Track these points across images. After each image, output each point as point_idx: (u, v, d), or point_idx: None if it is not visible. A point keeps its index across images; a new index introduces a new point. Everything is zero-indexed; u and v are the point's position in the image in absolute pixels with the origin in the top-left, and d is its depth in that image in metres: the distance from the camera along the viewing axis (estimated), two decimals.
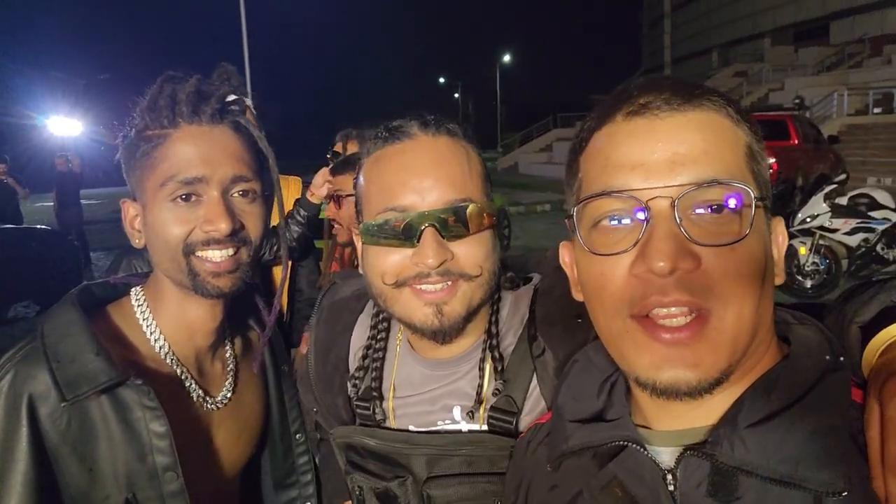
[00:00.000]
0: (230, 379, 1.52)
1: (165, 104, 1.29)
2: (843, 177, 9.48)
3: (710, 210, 0.83)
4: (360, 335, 1.46)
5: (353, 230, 2.79)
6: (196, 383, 1.43)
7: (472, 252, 1.21)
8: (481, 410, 1.27)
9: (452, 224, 1.19)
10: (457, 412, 1.30)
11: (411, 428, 1.33)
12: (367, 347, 1.42)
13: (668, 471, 0.87)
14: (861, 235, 8.83)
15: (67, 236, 11.24)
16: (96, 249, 14.56)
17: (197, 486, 1.34)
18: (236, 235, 1.32)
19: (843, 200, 9.06)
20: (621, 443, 0.92)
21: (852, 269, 9.03)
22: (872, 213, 8.89)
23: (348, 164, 2.79)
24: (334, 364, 1.46)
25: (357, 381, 1.40)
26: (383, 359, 1.40)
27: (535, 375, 1.27)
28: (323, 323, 1.52)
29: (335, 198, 2.78)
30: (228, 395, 1.50)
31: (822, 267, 8.87)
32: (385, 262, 1.22)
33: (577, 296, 1.00)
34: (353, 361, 1.45)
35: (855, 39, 35.23)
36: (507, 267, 1.40)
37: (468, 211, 1.19)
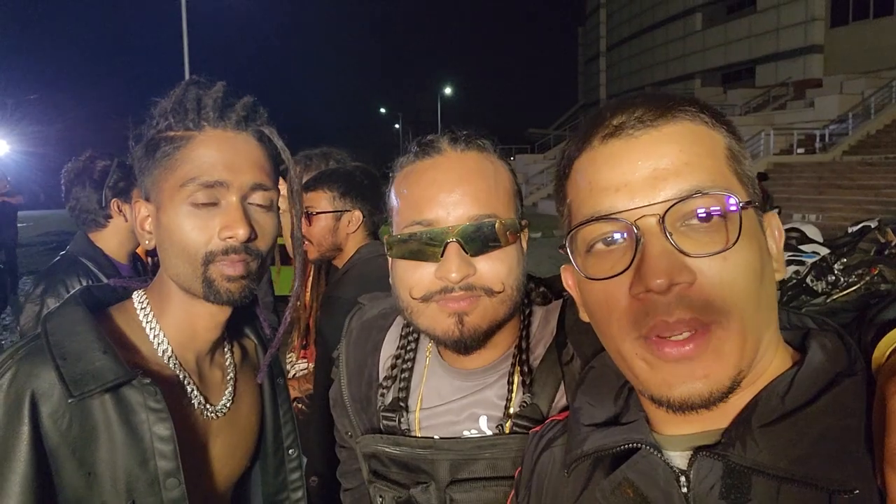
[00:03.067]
0: (230, 388, 1.48)
1: (191, 107, 1.27)
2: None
3: (698, 220, 0.83)
4: (388, 349, 1.47)
5: (323, 246, 2.79)
6: (197, 389, 1.39)
7: (495, 268, 1.22)
8: (508, 423, 1.27)
9: (476, 239, 1.20)
10: (483, 422, 1.30)
11: (436, 437, 1.32)
12: (396, 357, 1.43)
13: (681, 473, 0.87)
14: (792, 268, 9.20)
15: None
16: (23, 273, 13.97)
17: (192, 497, 1.29)
18: (250, 245, 1.29)
19: None
20: (634, 445, 0.91)
21: (784, 299, 9.36)
22: (803, 247, 9.29)
23: (319, 181, 2.76)
24: (368, 382, 1.46)
25: (384, 391, 1.41)
26: (411, 370, 1.40)
27: (562, 384, 1.27)
28: (353, 344, 1.52)
29: (307, 215, 2.73)
30: (228, 403, 1.46)
31: None
32: (412, 277, 1.23)
33: (584, 317, 1.00)
34: (383, 373, 1.45)
35: (779, 83, 37.09)
36: (539, 283, 1.41)
37: (492, 227, 1.21)
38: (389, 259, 1.32)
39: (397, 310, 1.37)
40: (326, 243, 2.74)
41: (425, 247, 1.20)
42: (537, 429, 1.19)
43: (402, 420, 1.35)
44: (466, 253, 1.19)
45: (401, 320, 1.47)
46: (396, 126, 79.44)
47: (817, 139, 26.11)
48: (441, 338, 1.24)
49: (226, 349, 1.51)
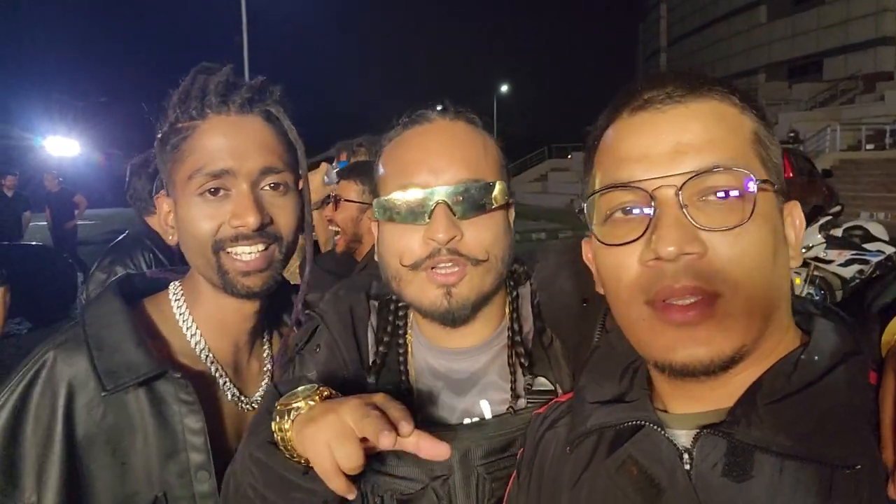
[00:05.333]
0: (266, 379, 1.48)
1: (196, 95, 1.28)
2: (837, 208, 9.52)
3: (714, 196, 0.85)
4: (370, 334, 1.38)
5: (344, 233, 2.87)
6: (230, 382, 1.40)
7: (480, 235, 1.22)
8: (520, 401, 1.26)
9: (463, 202, 1.20)
10: (485, 406, 1.28)
11: (451, 422, 1.28)
12: (377, 343, 1.35)
13: (685, 450, 0.88)
14: (856, 267, 8.85)
15: (63, 254, 11.18)
16: (88, 269, 14.44)
17: None
18: (266, 230, 1.29)
19: (838, 232, 9.09)
20: (638, 423, 0.93)
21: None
22: (866, 245, 8.92)
23: (352, 171, 2.89)
24: (356, 365, 1.35)
25: (372, 379, 1.32)
26: (400, 354, 1.34)
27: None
28: (335, 326, 1.39)
29: (335, 200, 2.87)
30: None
31: (817, 297, 8.84)
32: (400, 243, 1.23)
33: (600, 289, 1.01)
34: (371, 357, 1.36)
35: (847, 76, 35.77)
36: (520, 262, 1.40)
37: (479, 190, 1.21)
38: (376, 226, 1.31)
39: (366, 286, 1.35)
40: (349, 232, 2.86)
41: (413, 209, 1.20)
42: (541, 410, 1.20)
43: None
44: (454, 215, 1.19)
45: (374, 305, 1.40)
46: None
47: (887, 134, 25.04)
48: (428, 309, 1.22)
49: (265, 340, 1.51)
